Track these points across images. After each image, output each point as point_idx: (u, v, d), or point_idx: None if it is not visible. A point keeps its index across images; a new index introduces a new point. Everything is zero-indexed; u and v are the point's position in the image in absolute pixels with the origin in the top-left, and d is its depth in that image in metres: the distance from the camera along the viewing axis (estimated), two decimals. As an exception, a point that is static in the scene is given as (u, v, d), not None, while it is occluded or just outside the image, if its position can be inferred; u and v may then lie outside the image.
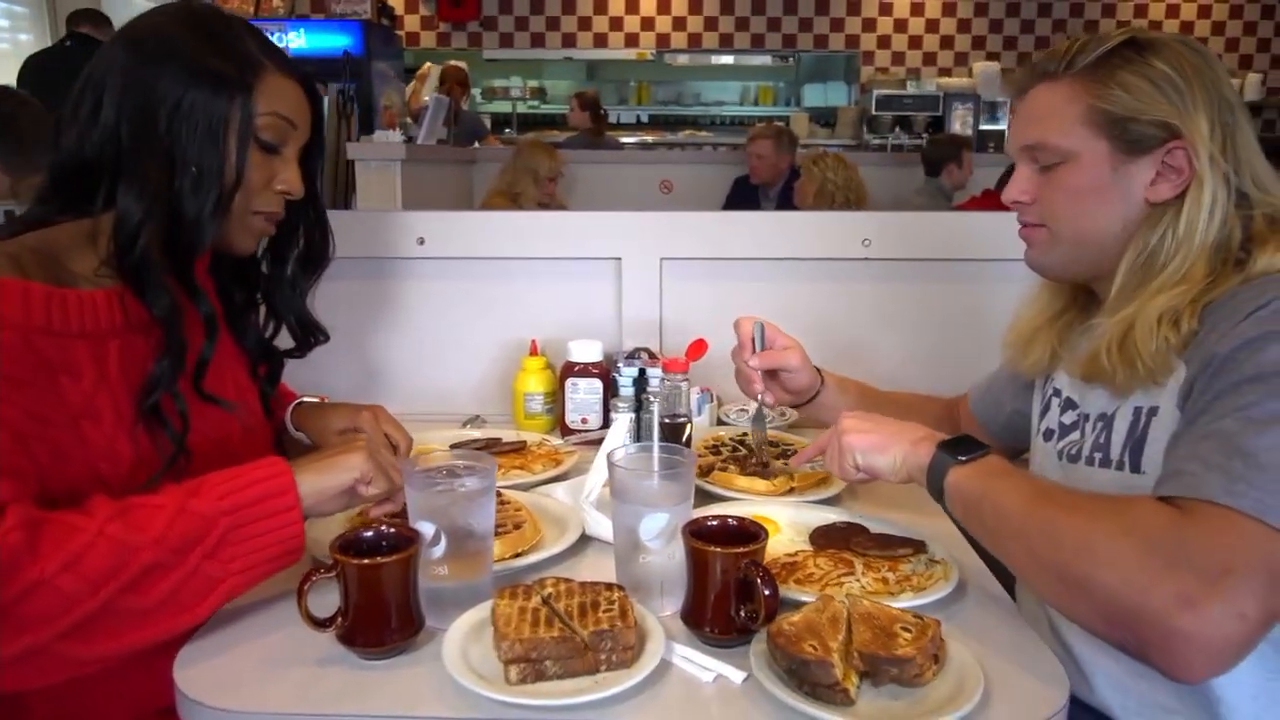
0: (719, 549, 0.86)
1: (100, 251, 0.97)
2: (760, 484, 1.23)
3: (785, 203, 4.49)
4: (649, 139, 7.39)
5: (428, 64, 5.44)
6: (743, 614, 0.86)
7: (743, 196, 4.71)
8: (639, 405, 1.41)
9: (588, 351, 1.48)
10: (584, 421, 1.48)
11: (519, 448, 1.39)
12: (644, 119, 7.87)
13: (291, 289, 1.20)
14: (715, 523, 0.92)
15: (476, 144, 5.39)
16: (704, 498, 1.21)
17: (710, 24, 7.51)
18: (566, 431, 1.49)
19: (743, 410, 1.55)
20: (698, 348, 1.36)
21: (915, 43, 7.51)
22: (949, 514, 0.98)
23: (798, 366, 1.26)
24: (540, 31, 7.56)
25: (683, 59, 7.65)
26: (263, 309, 1.22)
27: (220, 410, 1.08)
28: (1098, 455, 1.01)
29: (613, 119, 7.67)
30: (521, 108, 7.68)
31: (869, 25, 7.49)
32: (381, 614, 0.84)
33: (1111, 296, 1.00)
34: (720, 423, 1.55)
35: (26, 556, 0.77)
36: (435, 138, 4.18)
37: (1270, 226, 0.94)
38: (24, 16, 6.47)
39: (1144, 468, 0.95)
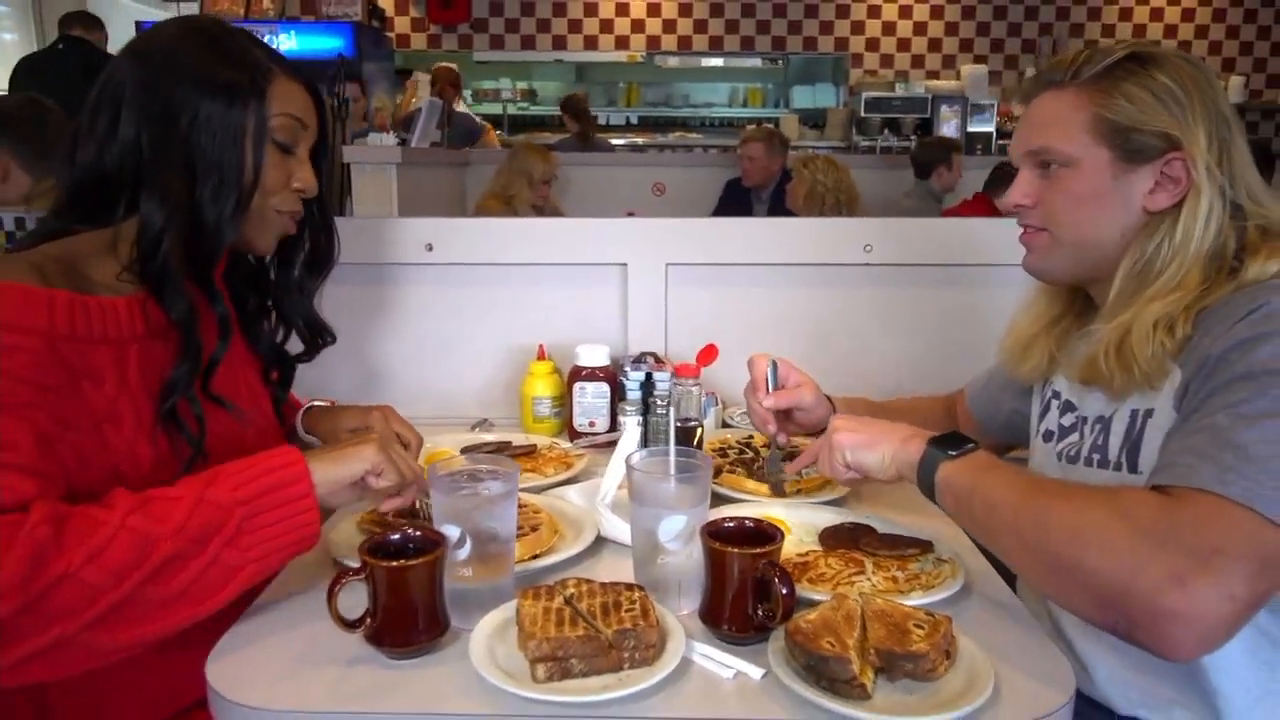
0: (737, 550, 0.88)
1: (121, 259, 0.99)
2: (766, 487, 1.26)
3: (777, 205, 4.51)
4: (639, 141, 7.41)
5: (415, 73, 5.44)
6: (760, 612, 0.88)
7: (735, 199, 4.74)
8: (646, 409, 1.44)
9: (595, 356, 1.51)
10: (591, 425, 1.51)
11: (529, 451, 1.42)
12: (633, 121, 7.90)
13: (299, 292, 1.23)
14: (732, 524, 0.94)
15: (472, 145, 5.40)
16: (712, 499, 1.23)
17: (700, 26, 7.54)
18: (574, 435, 1.52)
19: (745, 413, 1.58)
20: (708, 353, 1.38)
21: (903, 45, 7.56)
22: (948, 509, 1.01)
23: (811, 405, 1.26)
24: (531, 34, 7.57)
25: (672, 61, 7.68)
26: (273, 315, 1.24)
27: (232, 420, 1.10)
28: (1095, 456, 1.04)
29: (602, 121, 7.69)
30: (512, 109, 7.69)
31: (857, 28, 7.54)
32: (409, 615, 0.87)
33: (1109, 302, 1.03)
34: (725, 425, 1.58)
35: (53, 550, 0.80)
36: (429, 140, 4.19)
37: (1263, 237, 0.97)
38: (8, 15, 6.43)
39: (1140, 468, 0.98)
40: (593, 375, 1.50)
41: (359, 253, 1.59)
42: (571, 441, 1.50)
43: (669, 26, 7.54)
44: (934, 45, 7.55)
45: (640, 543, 0.98)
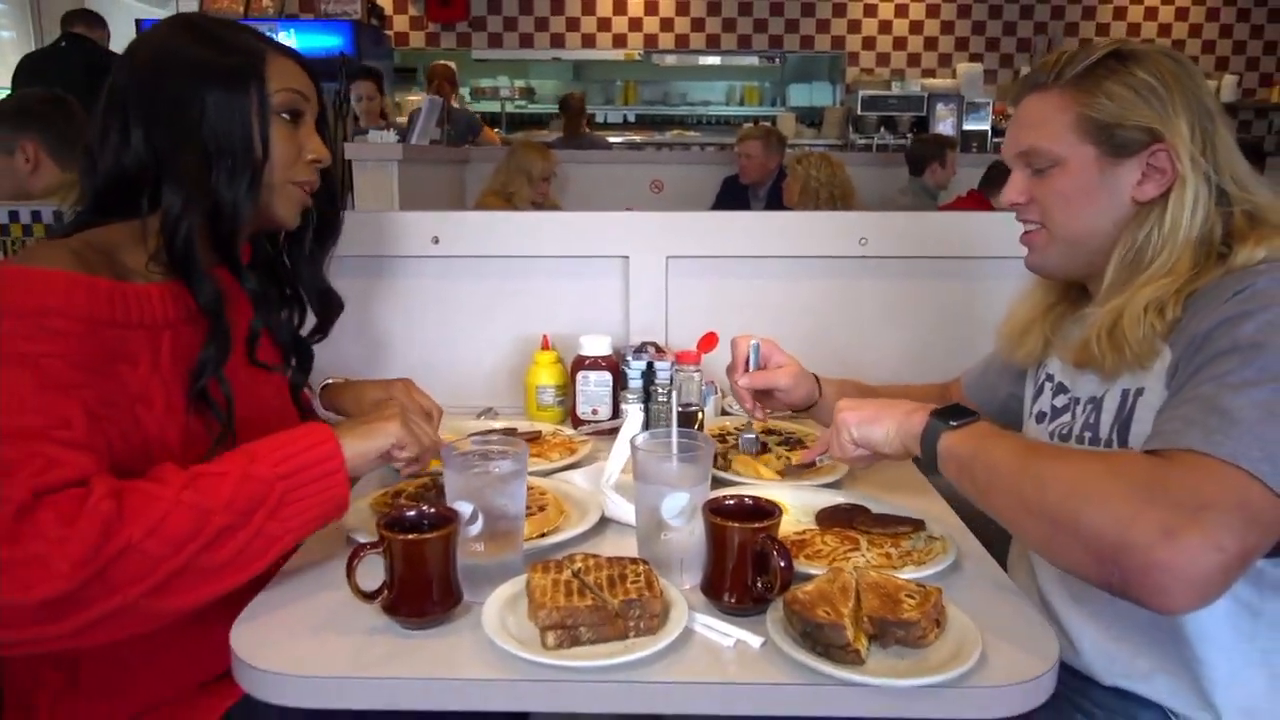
0: (738, 524, 0.92)
1: (149, 248, 1.04)
2: (769, 471, 1.30)
3: (774, 202, 4.56)
4: (637, 139, 7.45)
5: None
6: (759, 584, 0.93)
7: (732, 196, 4.78)
8: (647, 397, 1.48)
9: (597, 346, 1.55)
10: (594, 413, 1.55)
11: (534, 437, 1.46)
12: (631, 119, 7.94)
13: (311, 263, 1.28)
14: (732, 502, 0.99)
15: (471, 141, 5.43)
16: (714, 485, 1.27)
17: (697, 25, 7.59)
18: (578, 422, 1.55)
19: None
20: (709, 341, 1.43)
21: (900, 44, 7.61)
22: (940, 491, 1.05)
23: (788, 387, 1.31)
24: (529, 32, 7.61)
25: (669, 59, 7.72)
26: (290, 304, 1.29)
27: (260, 396, 1.15)
28: (1088, 434, 1.08)
29: (600, 119, 7.74)
30: (510, 107, 7.73)
31: (854, 27, 7.58)
32: (423, 586, 0.91)
33: (1103, 290, 1.06)
34: (724, 413, 1.62)
35: (116, 524, 0.84)
36: (428, 138, 4.23)
37: (1249, 222, 1.00)
38: (6, 14, 6.45)
39: (1131, 444, 1.01)
40: (595, 364, 1.54)
41: (366, 245, 1.63)
42: (575, 429, 1.54)
43: (666, 25, 7.58)
44: (930, 44, 7.60)
45: (644, 520, 1.02)
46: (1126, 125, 1.02)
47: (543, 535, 1.09)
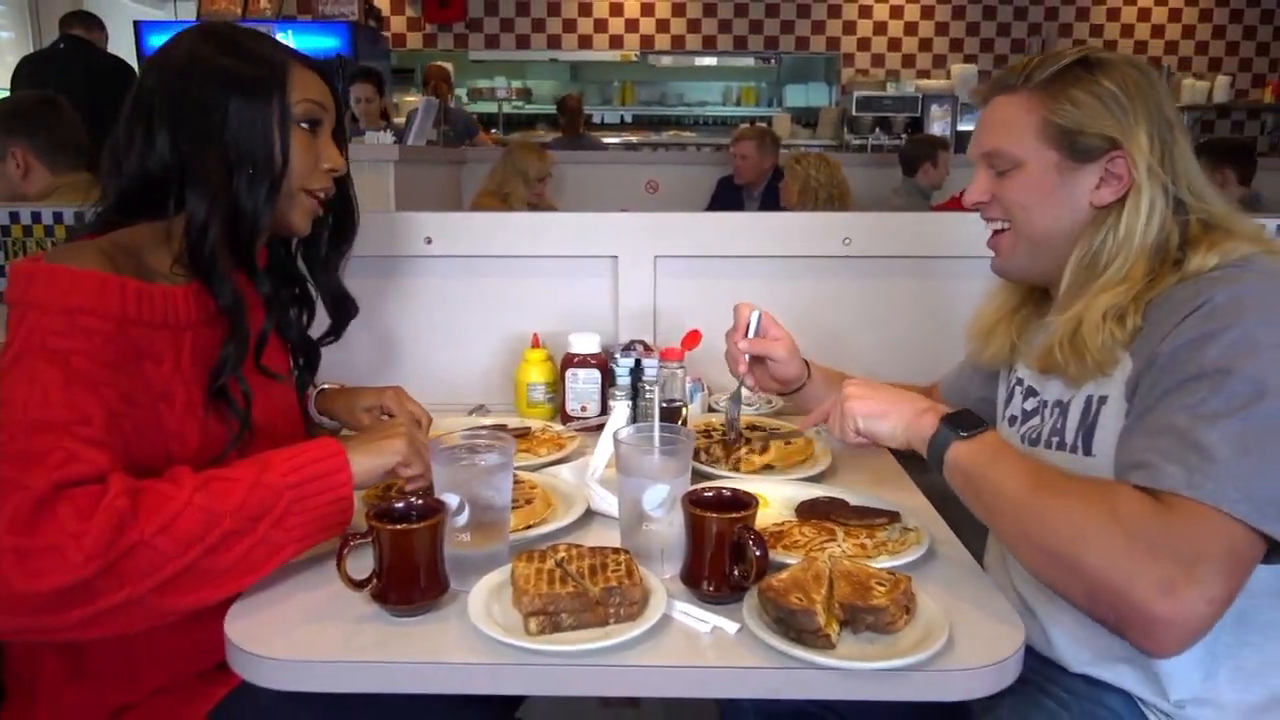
0: (715, 515, 0.96)
1: (174, 250, 1.08)
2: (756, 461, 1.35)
3: (768, 202, 4.60)
4: (633, 139, 7.49)
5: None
6: (736, 573, 0.96)
7: (727, 196, 4.81)
8: (635, 393, 1.51)
9: (586, 344, 1.58)
10: (583, 409, 1.58)
11: (524, 433, 1.49)
12: (628, 119, 7.97)
13: (327, 266, 1.31)
14: (711, 494, 1.02)
15: (469, 142, 5.47)
16: (698, 477, 1.31)
17: (693, 26, 7.62)
18: (567, 419, 1.59)
19: (731, 398, 1.65)
20: (692, 338, 1.46)
21: (894, 45, 7.65)
22: (918, 484, 1.08)
23: (783, 358, 1.35)
24: (525, 33, 7.64)
25: (666, 60, 7.76)
26: (300, 305, 1.32)
27: (270, 396, 1.19)
28: (1055, 439, 1.11)
29: (597, 119, 7.78)
30: (507, 108, 7.77)
31: (849, 28, 7.62)
32: (411, 575, 0.94)
33: (1061, 294, 1.09)
34: (710, 410, 1.65)
35: (130, 520, 0.87)
36: (425, 139, 4.26)
37: (1204, 230, 1.03)
38: (4, 14, 6.48)
39: (1094, 451, 1.04)
40: (584, 362, 1.57)
41: (361, 245, 1.64)
42: (564, 425, 1.57)
43: (662, 26, 7.62)
44: (925, 45, 7.64)
45: (626, 511, 1.05)
46: (1088, 132, 1.04)
47: (529, 527, 1.12)
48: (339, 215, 1.29)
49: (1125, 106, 1.03)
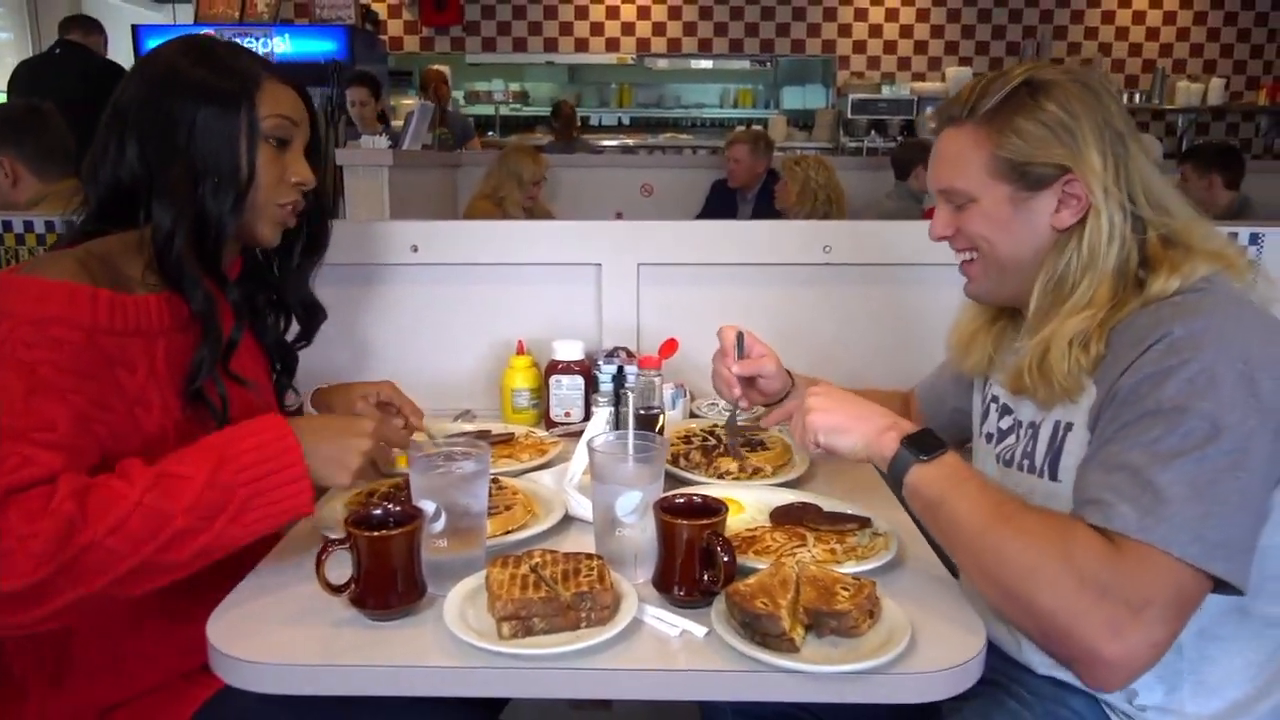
0: (686, 521, 0.98)
1: (146, 258, 1.10)
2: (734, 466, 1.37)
3: (762, 205, 4.61)
4: (630, 142, 7.51)
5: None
6: (706, 578, 0.98)
7: (721, 200, 4.83)
8: (618, 399, 1.54)
9: (570, 350, 1.60)
10: (567, 415, 1.60)
11: (507, 439, 1.51)
12: (625, 121, 8.00)
13: (297, 274, 1.33)
14: (682, 500, 1.04)
15: (465, 146, 5.49)
16: (677, 483, 1.33)
17: (689, 29, 7.65)
18: (551, 424, 1.61)
19: (713, 404, 1.68)
20: (669, 347, 1.49)
21: (890, 48, 7.67)
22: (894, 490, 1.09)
23: (774, 373, 1.36)
24: (522, 36, 7.67)
25: (662, 63, 7.78)
26: (277, 310, 1.34)
27: (248, 399, 1.21)
28: (1026, 462, 1.12)
29: (594, 121, 7.81)
30: (504, 110, 7.79)
31: (845, 31, 7.64)
32: (389, 580, 0.96)
33: (1030, 316, 1.09)
34: (693, 415, 1.68)
35: (80, 522, 0.90)
36: (420, 143, 4.28)
37: (1164, 246, 1.03)
38: (3, 15, 6.50)
39: (1059, 477, 1.06)
40: (568, 369, 1.60)
41: (349, 254, 1.69)
42: (548, 430, 1.60)
43: (659, 29, 7.64)
44: (920, 48, 7.66)
45: (600, 517, 1.07)
46: (1036, 163, 1.04)
47: (507, 532, 1.15)
48: (312, 227, 1.31)
49: (1072, 129, 1.03)
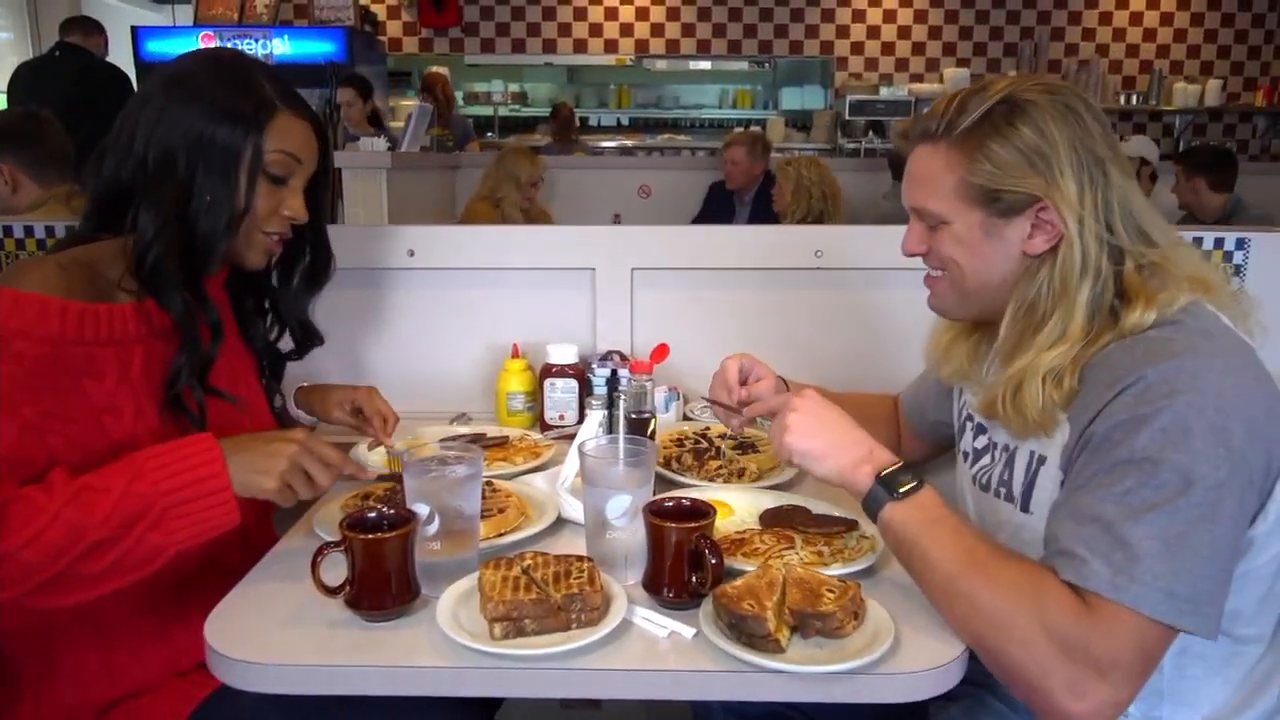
0: (674, 524, 1.00)
1: (126, 264, 1.10)
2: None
3: (759, 207, 4.63)
4: (628, 143, 7.52)
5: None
6: (694, 580, 1.00)
7: (718, 202, 4.84)
8: (611, 403, 1.55)
9: (564, 354, 1.62)
10: (561, 418, 1.62)
11: (501, 442, 1.53)
12: (624, 122, 8.01)
13: (296, 300, 1.34)
14: (671, 503, 1.06)
15: (463, 148, 5.51)
16: (669, 485, 1.35)
17: (688, 30, 7.66)
18: (545, 427, 1.63)
19: (706, 407, 1.70)
20: (660, 351, 1.51)
21: (888, 49, 7.69)
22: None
23: (769, 393, 1.30)
24: (521, 37, 7.69)
25: (661, 64, 7.79)
26: (268, 315, 1.36)
27: (232, 408, 1.22)
28: (1003, 490, 1.12)
29: (593, 122, 7.82)
30: (503, 111, 7.81)
31: (843, 32, 7.66)
32: (383, 582, 0.98)
33: (999, 342, 1.08)
34: (686, 419, 1.70)
35: None
36: (419, 145, 4.30)
37: (1141, 277, 1.00)
38: (3, 15, 6.52)
39: (1032, 509, 1.07)
40: (562, 372, 1.62)
41: (346, 258, 1.68)
42: (543, 433, 1.62)
43: (657, 30, 7.66)
44: (918, 49, 7.68)
45: (591, 520, 1.09)
46: (1008, 190, 1.01)
47: (501, 535, 1.17)
48: (315, 258, 1.31)
49: (1048, 157, 1.00)
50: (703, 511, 1.03)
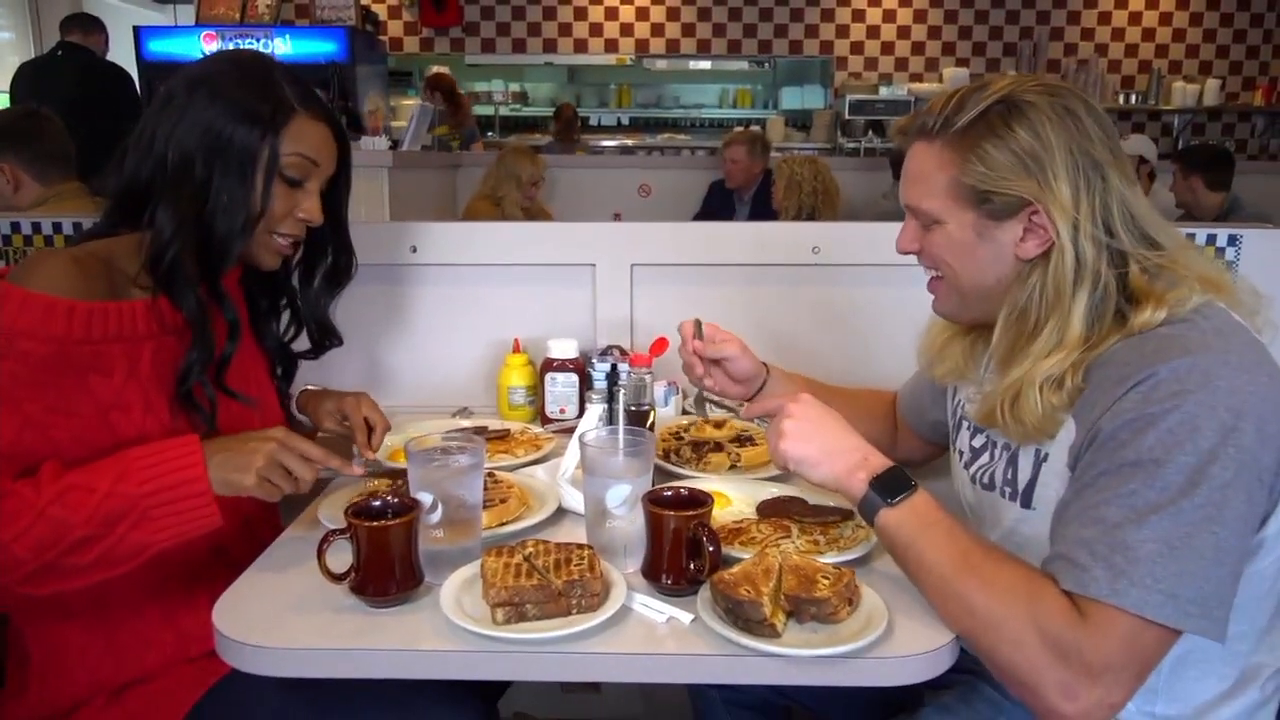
0: (673, 513, 1.02)
1: (142, 260, 1.12)
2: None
3: (759, 206, 4.65)
4: (629, 142, 7.54)
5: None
6: (692, 567, 1.02)
7: (719, 200, 4.87)
8: (611, 397, 1.58)
9: (565, 349, 1.64)
10: (562, 412, 1.64)
11: (503, 435, 1.55)
12: (624, 121, 8.03)
13: (317, 299, 1.36)
14: (670, 493, 1.08)
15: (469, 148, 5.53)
16: (668, 476, 1.37)
17: (688, 30, 7.68)
18: (546, 421, 1.65)
19: (702, 402, 1.72)
20: (659, 345, 1.53)
21: (887, 49, 7.71)
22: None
23: (737, 354, 1.35)
24: (522, 37, 7.71)
25: (661, 64, 7.81)
26: (286, 314, 1.38)
27: (243, 406, 1.24)
28: (1007, 489, 1.11)
29: (593, 122, 7.84)
30: (504, 111, 7.83)
31: (842, 32, 7.68)
32: (387, 569, 1.00)
33: (994, 347, 1.08)
34: (685, 413, 1.72)
35: None
36: (420, 144, 4.32)
37: (1148, 280, 0.99)
38: (3, 15, 6.53)
39: (1035, 505, 1.06)
40: (563, 367, 1.64)
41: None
42: (543, 426, 1.64)
43: (657, 30, 7.68)
44: (917, 48, 7.70)
45: (591, 509, 1.11)
46: (1000, 192, 1.00)
47: (503, 524, 1.19)
48: (336, 259, 1.33)
49: (1043, 160, 0.98)
50: (701, 500, 1.06)
